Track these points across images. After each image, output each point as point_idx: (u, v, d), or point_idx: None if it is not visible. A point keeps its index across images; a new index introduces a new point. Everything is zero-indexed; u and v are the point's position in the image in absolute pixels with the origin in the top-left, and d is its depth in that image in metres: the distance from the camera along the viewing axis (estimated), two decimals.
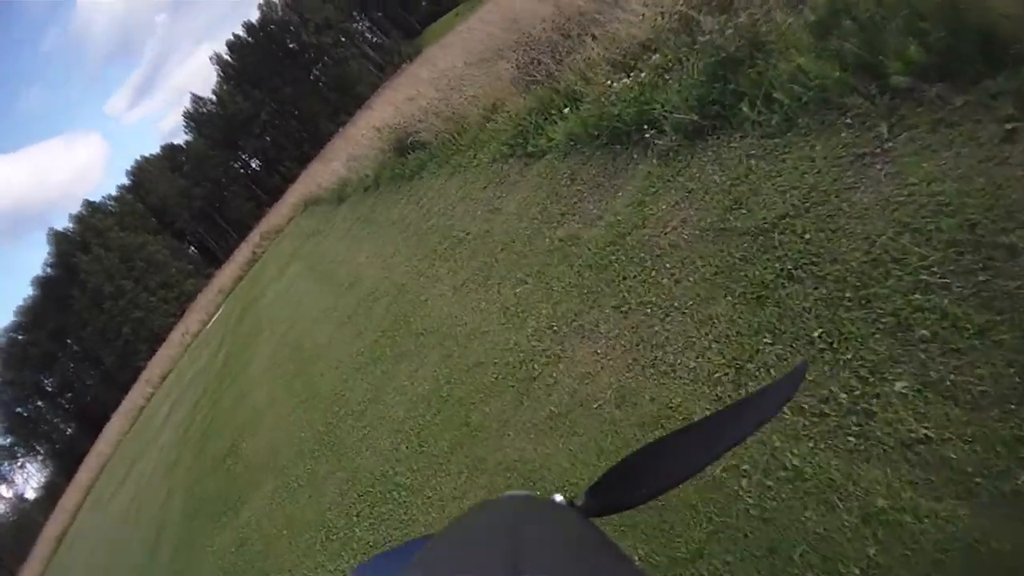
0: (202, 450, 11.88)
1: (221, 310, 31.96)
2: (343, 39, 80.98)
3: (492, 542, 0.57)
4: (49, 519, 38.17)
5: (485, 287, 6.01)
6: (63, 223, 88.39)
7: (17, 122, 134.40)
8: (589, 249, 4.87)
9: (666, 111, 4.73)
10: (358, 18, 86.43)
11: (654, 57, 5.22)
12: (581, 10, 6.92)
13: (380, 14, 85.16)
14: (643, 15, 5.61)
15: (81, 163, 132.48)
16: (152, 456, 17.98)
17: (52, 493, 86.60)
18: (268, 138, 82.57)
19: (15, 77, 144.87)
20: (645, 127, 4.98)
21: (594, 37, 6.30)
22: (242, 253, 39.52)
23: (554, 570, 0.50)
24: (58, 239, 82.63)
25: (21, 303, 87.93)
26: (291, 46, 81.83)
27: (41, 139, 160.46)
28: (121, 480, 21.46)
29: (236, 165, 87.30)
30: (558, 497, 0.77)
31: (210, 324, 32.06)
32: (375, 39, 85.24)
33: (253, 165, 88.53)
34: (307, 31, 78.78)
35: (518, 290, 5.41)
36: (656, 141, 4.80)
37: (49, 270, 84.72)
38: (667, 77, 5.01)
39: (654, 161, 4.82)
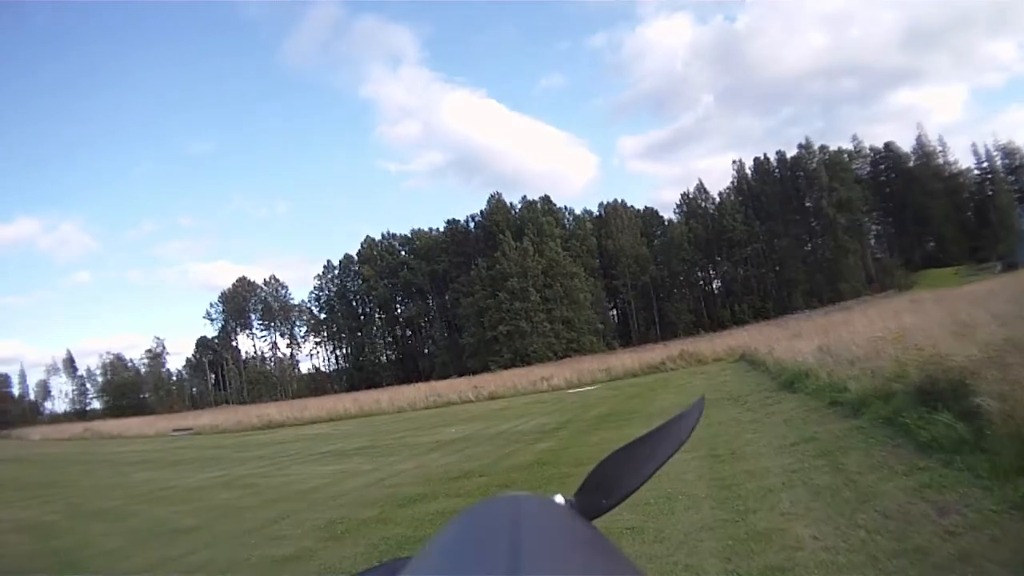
0: None
1: (594, 388, 29.61)
2: (851, 228, 77.41)
3: (492, 543, 0.56)
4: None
5: None
6: (512, 193, 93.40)
7: (533, 96, 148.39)
8: None
9: None
10: (873, 220, 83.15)
11: None
12: None
13: (893, 230, 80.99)
14: None
15: (564, 162, 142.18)
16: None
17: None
18: (741, 270, 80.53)
19: (544, 59, 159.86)
20: None
21: None
22: (650, 355, 37.49)
23: (554, 571, 0.50)
24: (497, 207, 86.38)
25: (423, 228, 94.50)
26: (807, 204, 79.80)
27: (549, 123, 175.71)
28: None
29: (699, 273, 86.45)
30: (558, 497, 0.77)
31: (574, 391, 29.86)
32: (878, 251, 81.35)
33: (714, 286, 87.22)
34: (829, 200, 75.69)
35: None
36: None
37: (473, 223, 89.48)
38: None
39: None
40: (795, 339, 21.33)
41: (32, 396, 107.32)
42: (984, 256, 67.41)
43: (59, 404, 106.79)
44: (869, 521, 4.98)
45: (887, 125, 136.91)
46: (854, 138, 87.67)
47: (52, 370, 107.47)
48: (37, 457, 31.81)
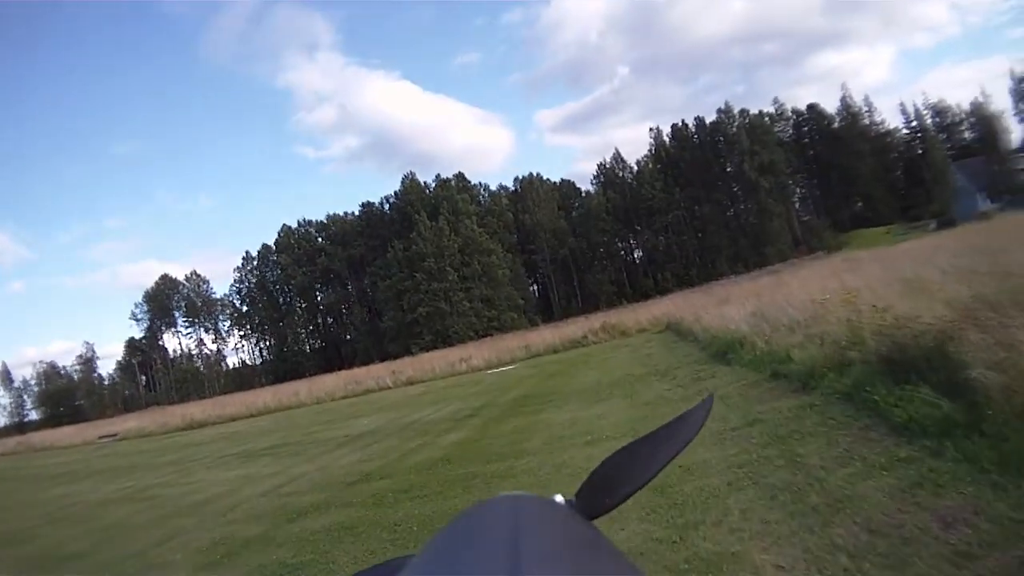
0: None
1: (514, 367, 29.04)
2: (775, 191, 77.44)
3: (492, 543, 0.57)
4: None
5: None
6: (432, 174, 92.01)
7: (449, 74, 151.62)
8: None
9: None
10: (797, 183, 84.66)
11: None
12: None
13: (819, 192, 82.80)
14: None
15: (481, 140, 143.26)
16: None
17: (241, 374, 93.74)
18: (662, 238, 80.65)
19: (459, 37, 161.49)
20: None
21: None
22: (572, 329, 37.00)
23: (554, 571, 0.51)
24: (411, 187, 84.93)
25: (339, 214, 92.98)
26: (728, 169, 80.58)
27: (465, 102, 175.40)
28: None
29: (619, 243, 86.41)
30: (558, 497, 0.77)
31: (493, 371, 29.10)
32: (804, 214, 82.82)
33: (635, 255, 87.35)
34: (751, 163, 76.23)
35: None
36: None
37: (386, 206, 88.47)
38: None
39: None
40: (724, 305, 20.56)
41: None
42: (916, 215, 68.26)
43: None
44: (849, 539, 3.76)
45: (811, 87, 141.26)
46: (775, 101, 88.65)
47: None
48: None
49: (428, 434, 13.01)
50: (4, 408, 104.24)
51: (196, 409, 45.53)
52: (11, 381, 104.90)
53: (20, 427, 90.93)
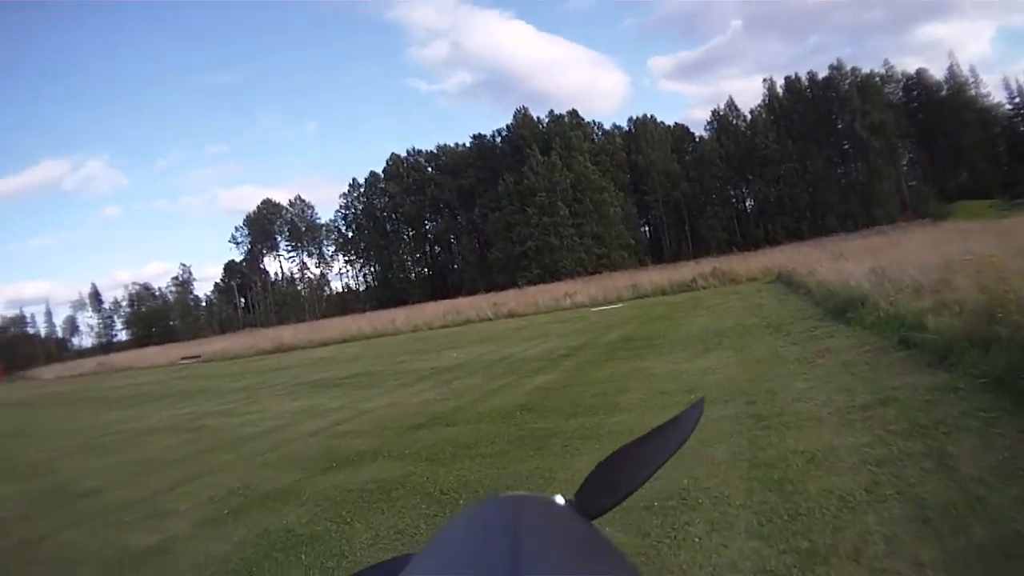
0: None
1: (620, 307, 28.64)
2: (885, 153, 74.55)
3: (491, 543, 0.57)
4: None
5: None
6: (545, 111, 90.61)
7: (562, 16, 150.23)
8: None
9: None
10: (905, 148, 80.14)
11: None
12: None
13: (926, 159, 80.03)
14: None
15: (595, 82, 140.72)
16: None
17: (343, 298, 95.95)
18: (774, 189, 78.13)
19: None
20: None
21: None
22: (681, 272, 36.04)
23: (554, 571, 0.51)
24: (524, 121, 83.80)
25: (449, 144, 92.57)
26: (839, 126, 77.00)
27: (579, 43, 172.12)
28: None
29: (731, 191, 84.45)
30: (558, 497, 0.76)
31: (598, 309, 29.02)
32: (911, 180, 78.41)
33: (747, 204, 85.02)
34: (862, 122, 72.58)
35: None
36: None
37: (498, 139, 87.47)
38: None
39: None
40: (839, 260, 19.46)
41: (60, 333, 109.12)
42: (1018, 192, 64.51)
43: (87, 339, 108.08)
44: None
45: (916, 57, 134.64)
46: (886, 62, 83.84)
47: (79, 305, 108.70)
48: (30, 400, 31.07)
49: (516, 373, 12.57)
50: (92, 329, 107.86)
51: (289, 332, 46.23)
52: (101, 303, 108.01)
53: (106, 348, 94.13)
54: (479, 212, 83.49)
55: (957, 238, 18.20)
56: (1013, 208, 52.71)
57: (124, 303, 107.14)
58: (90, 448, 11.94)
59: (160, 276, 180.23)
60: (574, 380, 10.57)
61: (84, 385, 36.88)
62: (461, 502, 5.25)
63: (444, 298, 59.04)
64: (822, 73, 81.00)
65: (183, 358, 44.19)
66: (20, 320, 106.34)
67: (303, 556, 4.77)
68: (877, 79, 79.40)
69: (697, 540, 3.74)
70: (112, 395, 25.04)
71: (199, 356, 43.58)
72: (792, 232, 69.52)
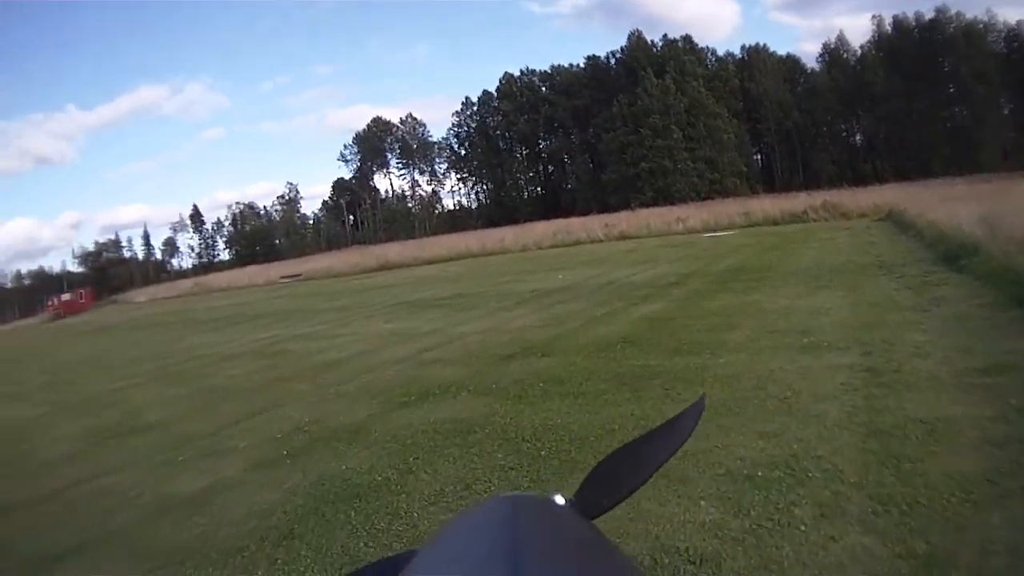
0: None
1: (731, 234, 28.75)
2: (988, 100, 71.86)
3: (492, 543, 0.57)
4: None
5: None
6: (658, 35, 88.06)
7: None
8: None
9: None
10: (1007, 99, 76.03)
11: None
12: None
13: None
14: None
15: (708, 8, 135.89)
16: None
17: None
18: (883, 125, 75.66)
19: None
20: None
21: None
22: (793, 203, 35.49)
23: (554, 571, 0.51)
24: (638, 44, 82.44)
25: (563, 65, 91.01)
26: (945, 68, 74.09)
27: None
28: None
29: (842, 126, 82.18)
30: (558, 497, 0.76)
31: (709, 235, 29.34)
32: (1010, 131, 74.55)
33: (856, 139, 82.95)
34: (968, 67, 69.95)
35: None
36: None
37: (612, 61, 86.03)
38: None
39: None
40: (949, 202, 18.77)
41: (159, 256, 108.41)
42: None
43: (186, 260, 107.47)
44: None
45: (1017, 7, 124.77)
46: (988, 11, 78.74)
47: (179, 227, 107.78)
48: (116, 324, 31.18)
49: (622, 300, 12.34)
50: (192, 250, 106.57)
51: (394, 250, 45.59)
52: (202, 223, 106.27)
53: (207, 268, 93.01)
54: (593, 132, 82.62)
55: None
56: None
57: (227, 223, 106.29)
58: (164, 376, 11.73)
59: (265, 196, 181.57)
60: (681, 311, 10.20)
61: (178, 307, 36.88)
62: (543, 453, 4.90)
63: (556, 217, 58.54)
64: (928, 15, 77.49)
65: (283, 277, 44.17)
66: (115, 244, 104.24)
67: (353, 513, 4.36)
68: (980, 26, 75.70)
69: (803, 529, 3.24)
70: (201, 317, 25.26)
71: (299, 275, 43.22)
72: (899, 171, 67.77)
